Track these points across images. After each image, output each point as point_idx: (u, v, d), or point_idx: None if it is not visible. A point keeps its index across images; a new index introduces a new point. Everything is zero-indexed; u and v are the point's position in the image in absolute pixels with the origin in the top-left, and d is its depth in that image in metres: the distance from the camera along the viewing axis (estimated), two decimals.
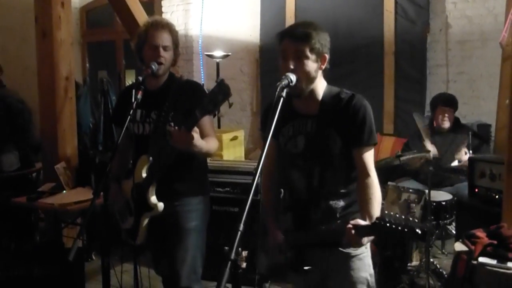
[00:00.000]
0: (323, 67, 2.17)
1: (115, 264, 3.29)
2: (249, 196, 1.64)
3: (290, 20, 6.50)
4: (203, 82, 6.74)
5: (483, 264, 2.63)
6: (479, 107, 5.71)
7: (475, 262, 2.66)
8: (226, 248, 1.55)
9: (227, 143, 4.94)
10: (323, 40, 2.13)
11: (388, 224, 1.72)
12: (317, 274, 2.32)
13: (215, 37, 6.87)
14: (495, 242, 2.76)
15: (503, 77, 4.87)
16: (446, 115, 4.63)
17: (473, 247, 2.76)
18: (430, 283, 3.61)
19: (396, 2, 5.98)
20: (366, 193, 2.12)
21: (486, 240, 2.78)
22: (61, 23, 4.32)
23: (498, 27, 5.23)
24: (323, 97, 2.21)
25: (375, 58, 6.16)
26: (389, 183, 4.06)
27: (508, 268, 2.57)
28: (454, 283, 2.78)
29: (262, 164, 1.73)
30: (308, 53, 2.09)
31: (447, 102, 4.66)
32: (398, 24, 6.00)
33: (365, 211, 2.08)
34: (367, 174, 2.14)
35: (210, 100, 2.20)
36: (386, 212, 1.79)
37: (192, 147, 2.47)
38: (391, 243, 1.80)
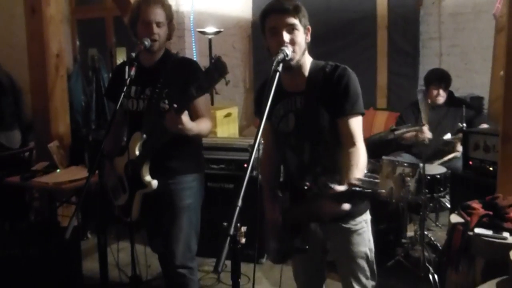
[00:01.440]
0: (308, 39, 2.17)
1: (111, 242, 3.30)
2: (246, 172, 1.63)
3: None
4: (195, 58, 6.68)
5: (479, 235, 2.64)
6: (471, 79, 5.72)
7: (471, 233, 2.68)
8: (225, 223, 1.54)
9: (221, 120, 4.92)
10: (305, 12, 2.14)
11: (358, 189, 1.68)
12: (317, 250, 2.35)
13: (207, 13, 6.79)
14: (491, 213, 2.77)
15: (496, 48, 4.87)
16: (440, 91, 4.63)
17: (469, 218, 2.77)
18: (425, 255, 3.65)
19: None
20: (349, 160, 2.03)
21: (482, 211, 2.79)
22: None
23: None
24: (309, 72, 2.20)
25: (368, 32, 6.13)
26: (384, 157, 4.07)
27: (504, 238, 2.59)
28: (450, 254, 2.80)
29: (259, 142, 1.71)
30: (299, 25, 2.09)
31: (440, 79, 4.67)
32: None
33: (346, 177, 1.94)
34: (352, 144, 2.07)
35: (206, 77, 2.17)
36: (357, 176, 1.77)
37: (181, 131, 2.47)
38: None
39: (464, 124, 4.25)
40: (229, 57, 6.94)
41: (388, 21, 6.00)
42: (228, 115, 5.06)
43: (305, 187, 2.04)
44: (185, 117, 2.41)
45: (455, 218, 2.91)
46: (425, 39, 5.96)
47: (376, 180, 1.69)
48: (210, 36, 6.20)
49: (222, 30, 6.26)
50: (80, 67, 5.96)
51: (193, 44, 6.93)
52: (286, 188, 2.32)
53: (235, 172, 4.17)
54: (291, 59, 2.06)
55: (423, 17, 5.92)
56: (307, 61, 2.21)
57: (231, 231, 1.51)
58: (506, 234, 2.61)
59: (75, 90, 5.67)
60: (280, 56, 1.98)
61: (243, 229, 1.67)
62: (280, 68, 1.94)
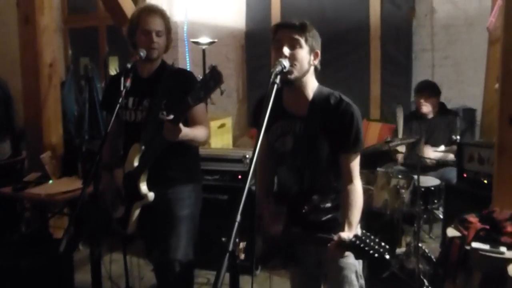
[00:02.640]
0: (315, 62, 2.19)
1: (103, 254, 3.26)
2: (245, 185, 1.61)
3: (275, 5, 6.44)
4: (188, 69, 6.66)
5: (476, 249, 2.64)
6: (464, 91, 5.73)
7: (468, 247, 2.68)
8: (224, 239, 1.52)
9: (215, 131, 4.92)
10: (316, 37, 2.18)
11: (362, 245, 1.86)
12: (312, 264, 2.35)
13: (200, 23, 6.77)
14: (488, 227, 2.77)
15: (490, 60, 4.90)
16: (427, 102, 4.65)
17: (466, 232, 2.77)
18: (419, 267, 3.64)
19: None
20: (348, 200, 2.16)
21: (478, 225, 2.79)
22: (44, 9, 4.23)
23: (482, 12, 5.25)
24: (313, 97, 2.21)
25: (361, 43, 6.13)
26: (378, 169, 4.07)
27: (501, 253, 2.59)
28: (447, 267, 2.80)
29: (257, 154, 1.70)
30: (303, 43, 2.12)
31: (426, 90, 4.69)
32: (384, 9, 5.97)
33: (345, 217, 2.12)
34: (350, 181, 2.18)
35: (201, 87, 2.18)
36: (363, 232, 1.94)
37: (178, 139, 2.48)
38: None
39: (458, 137, 4.27)
40: (223, 67, 6.80)
41: (381, 32, 6.01)
42: (222, 125, 5.05)
43: (303, 211, 2.18)
44: (180, 125, 2.42)
45: (451, 232, 2.91)
46: (417, 51, 5.97)
47: (384, 245, 1.84)
48: (203, 47, 6.17)
49: (215, 40, 6.24)
50: (72, 77, 5.91)
51: (187, 54, 6.90)
52: (282, 201, 2.31)
53: (229, 183, 4.15)
54: (288, 72, 2.06)
55: (416, 28, 5.94)
56: (311, 84, 2.21)
57: (230, 247, 1.49)
58: (503, 249, 2.61)
59: (68, 99, 5.62)
60: (278, 68, 2.00)
61: (242, 245, 1.66)
62: (278, 80, 1.95)
